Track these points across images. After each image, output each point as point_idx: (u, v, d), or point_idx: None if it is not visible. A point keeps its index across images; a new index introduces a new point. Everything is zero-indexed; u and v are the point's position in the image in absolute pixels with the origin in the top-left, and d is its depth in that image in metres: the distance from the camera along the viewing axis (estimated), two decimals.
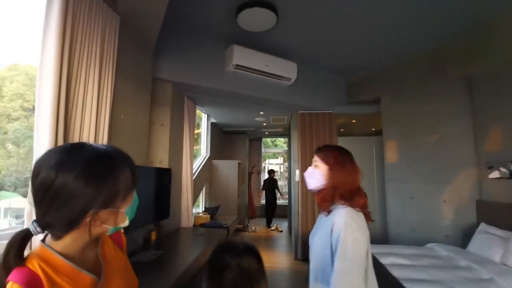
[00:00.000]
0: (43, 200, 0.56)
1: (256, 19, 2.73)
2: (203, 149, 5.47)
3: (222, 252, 0.70)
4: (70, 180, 0.55)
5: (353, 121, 5.28)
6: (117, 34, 2.06)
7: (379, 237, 3.98)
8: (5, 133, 3.97)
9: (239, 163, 5.88)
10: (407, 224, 3.60)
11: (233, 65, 3.18)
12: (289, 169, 6.24)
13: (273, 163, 13.23)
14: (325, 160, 1.16)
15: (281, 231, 6.37)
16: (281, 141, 13.14)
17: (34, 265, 0.56)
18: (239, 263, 0.66)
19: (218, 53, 3.32)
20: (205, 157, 5.29)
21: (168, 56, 2.97)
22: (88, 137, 1.74)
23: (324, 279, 1.04)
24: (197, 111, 4.54)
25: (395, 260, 2.51)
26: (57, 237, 0.59)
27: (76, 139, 1.66)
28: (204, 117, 5.39)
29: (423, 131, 3.58)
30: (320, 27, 3.05)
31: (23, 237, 0.57)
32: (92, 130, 1.77)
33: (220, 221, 4.12)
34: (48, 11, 1.52)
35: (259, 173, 8.82)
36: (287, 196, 7.50)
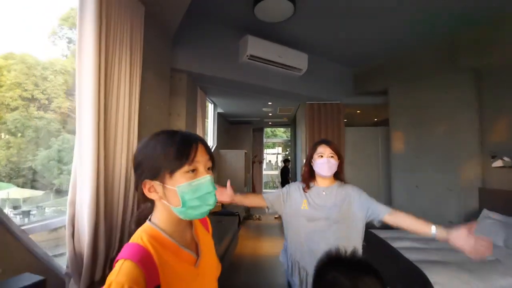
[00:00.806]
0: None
1: (274, 9, 2.75)
2: (210, 139, 5.52)
3: (332, 266, 0.59)
4: (136, 153, 0.69)
5: (358, 111, 5.37)
6: (142, 24, 2.08)
7: (383, 224, 4.15)
8: (4, 123, 3.94)
9: (245, 152, 5.97)
10: (412, 211, 3.72)
11: (248, 56, 3.21)
12: (294, 159, 6.34)
13: (270, 153, 13.38)
14: (336, 152, 1.49)
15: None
16: (280, 131, 13.23)
17: (144, 240, 0.62)
18: (356, 284, 0.54)
19: (232, 43, 3.33)
20: (212, 147, 5.35)
21: (184, 46, 2.98)
22: (122, 128, 1.79)
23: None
24: None
25: (406, 244, 2.65)
26: (149, 209, 0.70)
27: (112, 131, 1.71)
28: (210, 107, 5.41)
29: (430, 121, 3.69)
30: (333, 18, 3.07)
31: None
32: (125, 121, 1.82)
33: (230, 209, 4.23)
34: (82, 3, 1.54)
35: (260, 162, 8.94)
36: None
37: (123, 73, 1.81)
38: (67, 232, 1.51)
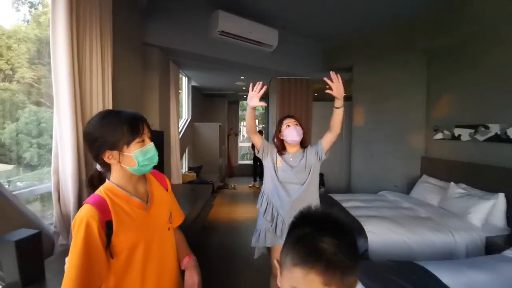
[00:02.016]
0: (86, 144, 0.90)
1: None
2: (185, 111, 5.62)
3: (302, 220, 0.57)
4: (91, 130, 0.87)
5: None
6: None
7: (343, 188, 4.68)
8: None
9: (220, 125, 6.16)
10: (367, 177, 4.27)
11: (219, 32, 3.30)
12: (267, 130, 6.65)
13: None
14: (299, 123, 1.83)
15: (258, 187, 6.98)
16: None
17: (101, 192, 0.88)
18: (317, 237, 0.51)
19: (204, 18, 3.38)
20: (187, 120, 5.48)
21: (156, 21, 3.01)
22: (97, 103, 1.93)
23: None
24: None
25: (354, 203, 3.12)
26: (105, 170, 0.93)
27: (88, 106, 1.86)
28: (184, 80, 5.45)
29: (386, 97, 4.08)
30: None
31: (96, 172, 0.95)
32: (100, 96, 1.95)
33: (205, 178, 4.52)
34: None
35: (236, 134, 9.19)
36: None
37: (94, 47, 1.91)
38: (53, 197, 1.70)
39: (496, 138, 2.76)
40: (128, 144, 0.88)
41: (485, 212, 2.53)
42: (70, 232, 1.73)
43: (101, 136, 0.86)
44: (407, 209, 2.97)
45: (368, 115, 4.31)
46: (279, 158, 1.83)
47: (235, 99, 8.36)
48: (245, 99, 8.82)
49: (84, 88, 1.83)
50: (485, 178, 2.80)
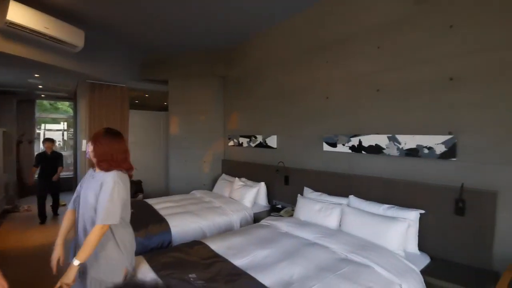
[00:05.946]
0: None
1: None
2: None
3: None
4: None
5: (146, 95, 5.84)
6: None
7: (163, 191, 5.04)
8: None
9: (4, 131, 4.78)
10: (183, 180, 4.87)
11: (6, 23, 2.74)
12: (75, 138, 5.86)
13: (54, 129, 11.07)
14: (95, 144, 1.57)
15: (64, 204, 5.91)
16: (64, 105, 11.13)
17: None
18: None
19: None
20: None
21: None
22: None
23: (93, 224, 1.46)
24: None
25: (166, 204, 3.53)
26: None
27: None
28: None
29: (196, 111, 4.86)
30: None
31: None
32: None
33: None
34: None
35: (30, 142, 7.29)
36: (72, 168, 6.88)
37: None
38: None
39: (261, 145, 4.07)
40: None
41: (252, 196, 3.67)
42: None
43: None
44: (207, 202, 3.75)
45: (182, 125, 4.93)
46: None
47: (29, 98, 6.67)
48: (44, 98, 7.26)
49: None
50: (256, 172, 4.06)
